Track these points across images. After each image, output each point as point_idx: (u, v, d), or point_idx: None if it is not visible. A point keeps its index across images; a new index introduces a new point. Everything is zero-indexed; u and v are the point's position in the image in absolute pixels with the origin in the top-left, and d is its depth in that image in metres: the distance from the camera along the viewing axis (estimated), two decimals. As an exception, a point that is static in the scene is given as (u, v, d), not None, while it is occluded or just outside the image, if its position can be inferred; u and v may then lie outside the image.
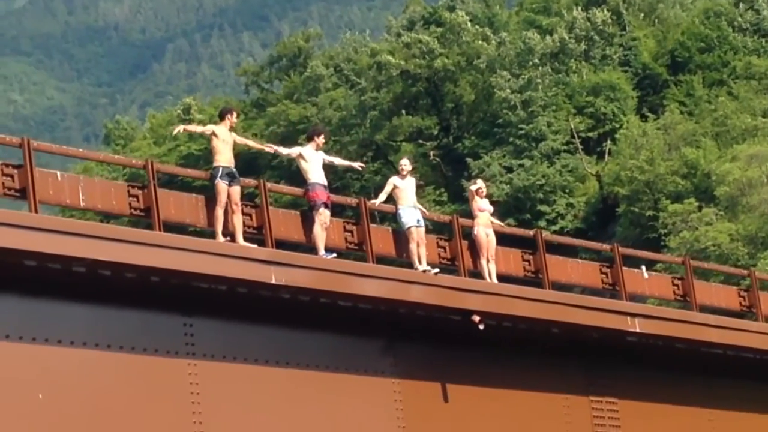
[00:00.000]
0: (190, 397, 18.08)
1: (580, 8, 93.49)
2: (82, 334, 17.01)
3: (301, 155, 20.08)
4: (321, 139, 20.49)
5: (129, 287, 17.45)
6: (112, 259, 16.61)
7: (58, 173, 18.25)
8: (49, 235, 15.96)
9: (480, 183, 23.54)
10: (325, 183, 20.06)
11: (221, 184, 18.60)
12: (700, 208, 76.25)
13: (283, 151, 21.60)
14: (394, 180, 21.32)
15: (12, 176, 16.74)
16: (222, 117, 19.65)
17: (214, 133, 18.99)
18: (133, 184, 18.71)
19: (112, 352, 17.42)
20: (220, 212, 18.58)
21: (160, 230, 17.98)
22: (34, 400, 16.57)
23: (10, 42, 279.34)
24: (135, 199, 18.11)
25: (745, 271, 36.13)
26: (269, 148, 23.38)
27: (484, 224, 21.75)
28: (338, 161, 22.42)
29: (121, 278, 17.27)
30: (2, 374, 16.27)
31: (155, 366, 18.06)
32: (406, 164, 21.68)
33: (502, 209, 73.31)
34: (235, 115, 20.07)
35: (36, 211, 16.52)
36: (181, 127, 21.98)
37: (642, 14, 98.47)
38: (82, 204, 17.90)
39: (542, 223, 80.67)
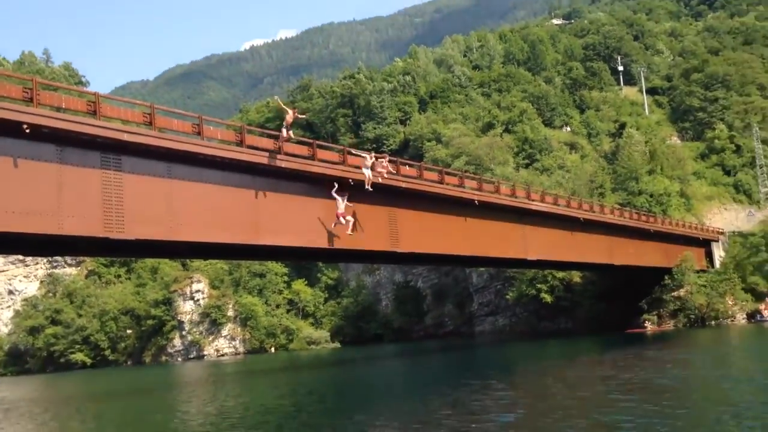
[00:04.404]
0: (251, 204, 25.39)
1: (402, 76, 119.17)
2: (212, 179, 24.30)
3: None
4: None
5: (232, 164, 24.78)
6: (220, 155, 24.38)
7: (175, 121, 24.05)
8: (206, 148, 23.80)
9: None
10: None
11: (284, 131, 26.27)
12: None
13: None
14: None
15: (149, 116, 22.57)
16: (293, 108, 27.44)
17: (287, 113, 26.34)
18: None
19: (218, 186, 24.54)
20: (281, 140, 26.39)
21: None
22: (208, 206, 24.25)
23: (208, 75, 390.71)
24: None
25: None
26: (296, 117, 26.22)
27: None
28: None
29: (221, 160, 24.53)
30: (196, 195, 23.66)
31: (242, 193, 25.37)
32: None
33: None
34: (296, 110, 28.52)
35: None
36: (286, 110, 26.84)
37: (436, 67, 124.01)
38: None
39: (385, 147, 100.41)
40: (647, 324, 63.31)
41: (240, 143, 25.67)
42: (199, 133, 24.31)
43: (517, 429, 14.64)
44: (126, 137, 21.40)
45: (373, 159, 28.72)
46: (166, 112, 24.93)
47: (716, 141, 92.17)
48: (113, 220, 21.26)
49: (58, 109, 21.13)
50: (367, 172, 28.26)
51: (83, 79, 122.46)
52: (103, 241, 22.25)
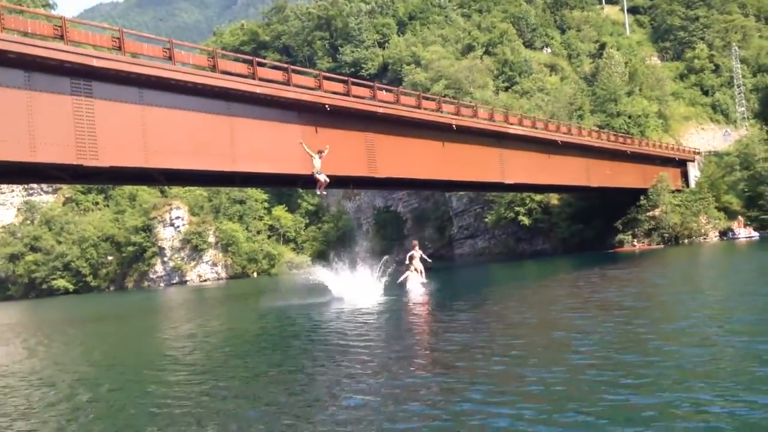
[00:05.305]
0: (226, 130, 25.39)
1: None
2: (186, 105, 24.22)
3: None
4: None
5: (206, 90, 24.70)
6: (192, 80, 24.18)
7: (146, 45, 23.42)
8: (178, 73, 23.47)
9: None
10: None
11: (318, 177, 25.09)
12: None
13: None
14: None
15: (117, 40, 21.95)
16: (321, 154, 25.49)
17: (314, 157, 25.33)
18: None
19: (193, 112, 24.53)
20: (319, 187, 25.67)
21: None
22: (182, 132, 23.95)
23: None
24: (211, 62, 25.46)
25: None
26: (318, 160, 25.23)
27: None
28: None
29: (194, 86, 24.48)
30: (170, 122, 23.55)
31: (217, 119, 25.25)
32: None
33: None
34: (325, 149, 25.99)
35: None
36: (313, 155, 25.34)
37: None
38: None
39: (364, 71, 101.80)
40: (635, 243, 64.20)
41: (213, 68, 25.32)
42: (170, 58, 23.89)
43: (476, 348, 14.97)
44: (95, 62, 21.07)
45: (411, 254, 28.90)
46: (136, 36, 24.46)
47: (696, 61, 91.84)
48: (86, 148, 21.18)
49: (25, 34, 20.66)
50: (414, 284, 28.49)
51: (50, 1, 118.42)
52: (77, 168, 22.13)
